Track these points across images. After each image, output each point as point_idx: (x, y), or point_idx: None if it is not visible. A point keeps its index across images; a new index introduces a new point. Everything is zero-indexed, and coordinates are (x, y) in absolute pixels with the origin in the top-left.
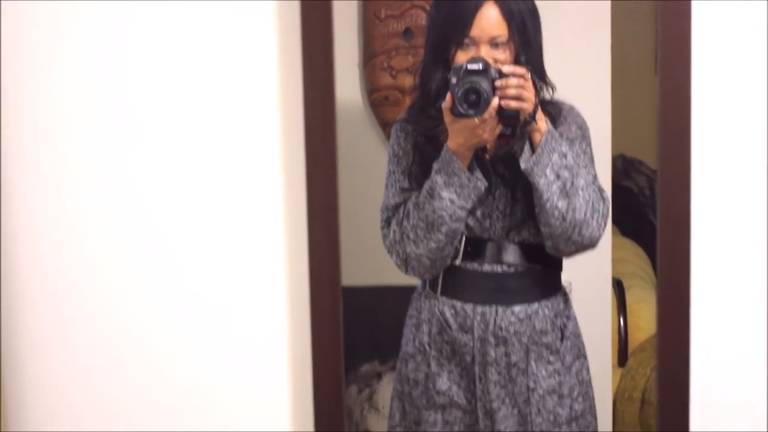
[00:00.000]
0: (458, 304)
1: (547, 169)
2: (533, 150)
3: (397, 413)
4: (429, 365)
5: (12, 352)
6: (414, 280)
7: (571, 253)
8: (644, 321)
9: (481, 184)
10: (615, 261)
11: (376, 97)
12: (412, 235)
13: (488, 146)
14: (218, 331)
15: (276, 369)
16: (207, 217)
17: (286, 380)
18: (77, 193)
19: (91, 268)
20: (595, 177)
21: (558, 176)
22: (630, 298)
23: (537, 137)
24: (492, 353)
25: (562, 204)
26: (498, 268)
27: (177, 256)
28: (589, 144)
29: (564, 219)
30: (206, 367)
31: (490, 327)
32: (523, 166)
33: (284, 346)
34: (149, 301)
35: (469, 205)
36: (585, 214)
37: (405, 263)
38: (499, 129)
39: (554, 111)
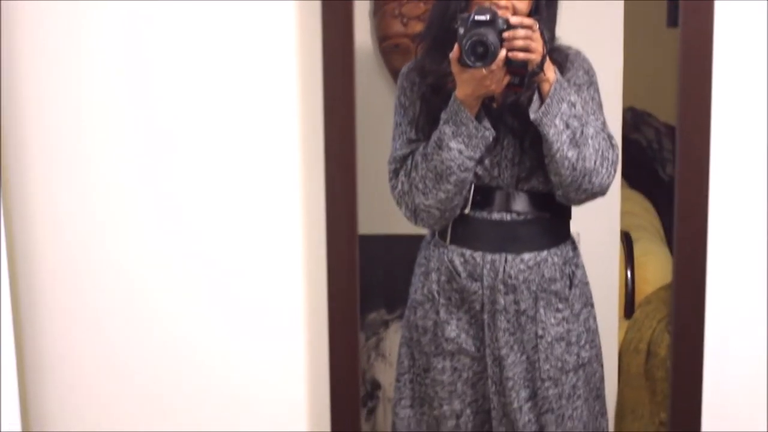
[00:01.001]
0: (467, 253)
1: (556, 119)
2: (542, 100)
3: (405, 360)
4: (438, 313)
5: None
6: (423, 230)
7: (581, 201)
8: (651, 273)
9: (489, 134)
10: (623, 214)
11: (386, 45)
12: (420, 186)
13: (496, 95)
14: (234, 280)
15: (292, 319)
16: (225, 168)
17: (302, 330)
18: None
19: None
20: (604, 123)
21: (567, 126)
22: (638, 250)
23: (545, 87)
24: (501, 301)
25: (572, 154)
26: (507, 217)
27: (196, 208)
28: (597, 90)
29: (574, 168)
30: (224, 319)
31: (500, 275)
32: (532, 116)
33: (300, 295)
34: (164, 265)
35: (477, 155)
36: (595, 162)
37: (414, 214)
38: (507, 79)
39: (560, 58)
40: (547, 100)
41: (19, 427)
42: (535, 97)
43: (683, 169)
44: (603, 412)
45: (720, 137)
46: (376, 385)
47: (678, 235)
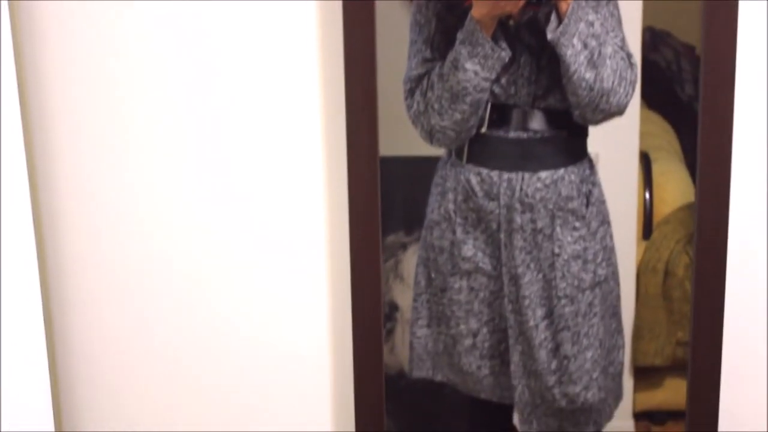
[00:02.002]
0: (484, 171)
1: (574, 38)
2: (560, 20)
3: (422, 279)
4: (454, 232)
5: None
6: (439, 151)
7: (598, 121)
8: (669, 194)
9: (506, 54)
10: (642, 134)
11: None
12: (436, 106)
13: (513, 14)
14: (255, 209)
15: (313, 244)
16: (243, 89)
17: (324, 256)
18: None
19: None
20: (623, 41)
21: (585, 45)
22: (656, 170)
23: (563, 6)
24: (518, 220)
25: (589, 75)
26: (524, 135)
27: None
28: (616, 5)
29: (592, 89)
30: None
31: (516, 193)
32: (549, 36)
33: (322, 218)
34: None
35: (492, 76)
36: (612, 82)
37: (429, 135)
38: None
39: None
40: (565, 20)
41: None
42: (553, 16)
43: (707, 90)
44: (619, 330)
45: (745, 60)
46: (394, 307)
47: (702, 151)
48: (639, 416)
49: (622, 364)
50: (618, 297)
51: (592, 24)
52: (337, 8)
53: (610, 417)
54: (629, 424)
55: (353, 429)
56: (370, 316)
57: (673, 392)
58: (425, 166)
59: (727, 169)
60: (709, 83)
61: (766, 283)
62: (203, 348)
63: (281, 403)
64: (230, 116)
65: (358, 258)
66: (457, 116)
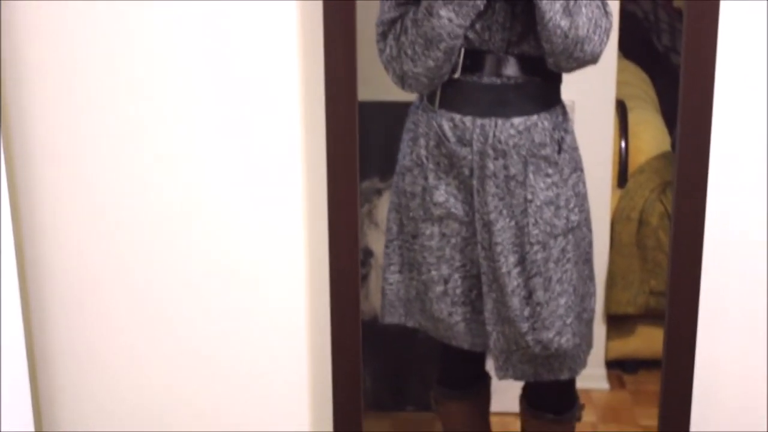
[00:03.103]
0: (457, 117)
1: None
2: None
3: (394, 226)
4: (426, 178)
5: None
6: (413, 96)
7: (572, 69)
8: (645, 143)
9: (480, 2)
10: (618, 83)
11: None
12: (409, 52)
13: None
14: (233, 153)
15: (291, 189)
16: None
17: (301, 199)
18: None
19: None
20: None
21: None
22: (632, 119)
23: None
24: (491, 166)
25: (564, 23)
26: (497, 81)
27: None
28: None
29: (566, 36)
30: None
31: (489, 139)
32: None
33: (299, 167)
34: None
35: (467, 23)
36: (587, 30)
37: (402, 80)
38: None
39: None
40: None
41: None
42: None
43: (690, 37)
44: (591, 276)
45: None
46: (368, 253)
47: (683, 100)
48: (611, 364)
49: (593, 311)
50: (590, 244)
51: None
52: None
53: (584, 364)
54: (601, 372)
55: (329, 374)
56: (347, 264)
57: (645, 341)
58: (400, 111)
59: (708, 117)
60: (691, 32)
61: (746, 236)
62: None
63: (258, 357)
64: (204, 60)
65: (335, 204)
66: (430, 63)
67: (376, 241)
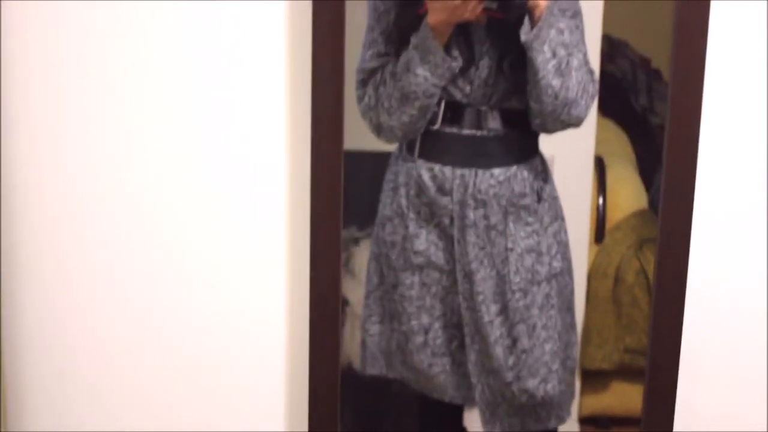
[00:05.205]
0: (436, 167)
1: (545, 45)
2: (532, 24)
3: (374, 276)
4: (407, 227)
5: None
6: (392, 146)
7: (555, 131)
8: (623, 199)
9: (456, 65)
10: (597, 140)
11: None
12: (386, 104)
13: (471, 20)
14: (219, 201)
15: (274, 238)
16: (209, 79)
17: (283, 249)
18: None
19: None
20: (585, 55)
21: (554, 54)
22: (610, 176)
23: (537, 12)
24: (471, 215)
25: (556, 82)
26: (477, 133)
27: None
28: (581, 19)
29: (556, 97)
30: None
31: (470, 189)
32: (523, 38)
33: (282, 213)
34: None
35: (442, 83)
36: (576, 94)
37: (377, 130)
38: (481, 6)
39: None
40: (540, 24)
41: None
42: (526, 20)
43: (675, 93)
44: (573, 325)
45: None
46: (344, 302)
47: (668, 161)
48: (584, 420)
49: (576, 360)
50: (572, 293)
51: (562, 32)
52: (307, 8)
53: (569, 413)
54: (574, 428)
55: (306, 428)
56: (329, 311)
57: (619, 397)
58: (378, 161)
59: (692, 175)
60: (677, 91)
61: (731, 291)
62: (158, 346)
63: (236, 398)
64: (195, 104)
65: (317, 253)
66: (405, 118)
67: (352, 290)
